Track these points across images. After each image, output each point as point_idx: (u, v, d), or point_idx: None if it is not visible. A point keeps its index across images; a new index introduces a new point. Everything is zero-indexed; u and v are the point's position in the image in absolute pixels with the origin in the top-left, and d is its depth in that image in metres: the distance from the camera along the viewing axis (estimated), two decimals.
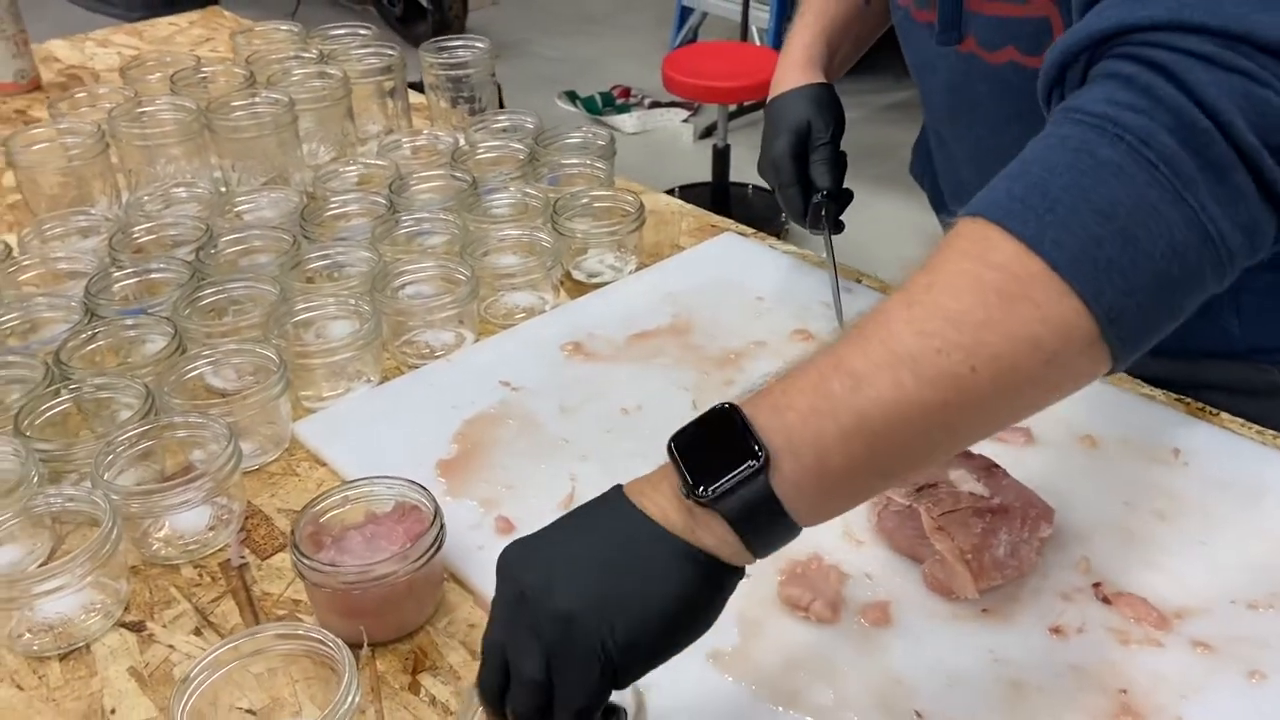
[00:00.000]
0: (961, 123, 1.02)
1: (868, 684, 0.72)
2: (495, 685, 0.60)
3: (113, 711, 0.73)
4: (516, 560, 0.60)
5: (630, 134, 4.06)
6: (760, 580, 0.80)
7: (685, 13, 4.51)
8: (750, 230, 1.30)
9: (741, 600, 0.77)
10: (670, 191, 1.70)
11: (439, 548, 0.77)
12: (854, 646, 0.75)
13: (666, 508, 0.58)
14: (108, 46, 1.96)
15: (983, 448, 0.87)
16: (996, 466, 0.85)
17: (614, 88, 4.28)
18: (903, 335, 0.55)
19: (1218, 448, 0.91)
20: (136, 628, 0.80)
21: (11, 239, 1.20)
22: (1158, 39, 0.55)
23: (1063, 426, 0.94)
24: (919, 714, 0.70)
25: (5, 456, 0.86)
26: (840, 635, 0.76)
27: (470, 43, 1.50)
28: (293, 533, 0.76)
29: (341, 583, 0.74)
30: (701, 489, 0.56)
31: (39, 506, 0.81)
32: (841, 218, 1.09)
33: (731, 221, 1.32)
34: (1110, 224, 0.53)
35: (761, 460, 0.55)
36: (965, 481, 0.83)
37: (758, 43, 4.07)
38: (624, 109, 4.17)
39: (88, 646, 0.78)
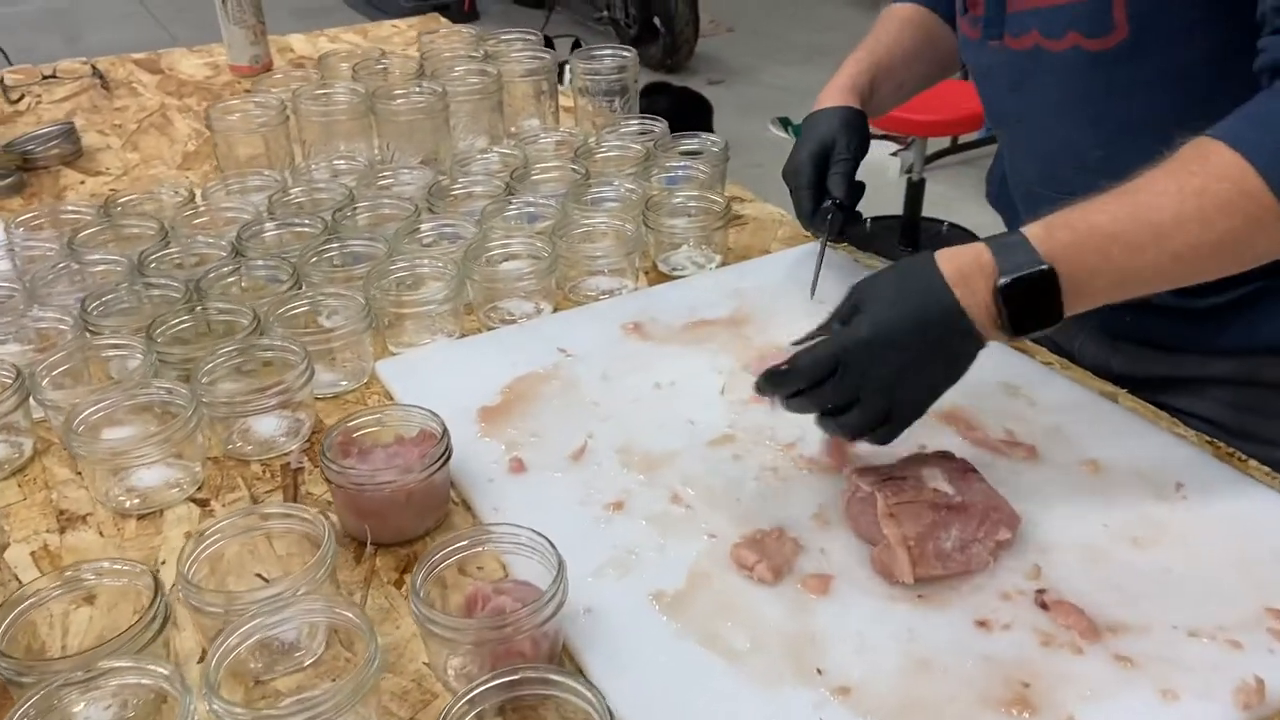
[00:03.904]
0: (1027, 121, 1.08)
1: (783, 639, 0.77)
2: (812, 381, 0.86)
3: (163, 562, 0.89)
4: (875, 361, 0.83)
5: None
6: (720, 541, 0.86)
7: None
8: (842, 244, 1.34)
9: (697, 555, 0.85)
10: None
11: (438, 469, 0.88)
12: (784, 607, 0.80)
13: (986, 324, 0.81)
14: (336, 42, 2.22)
15: (982, 459, 0.90)
16: (973, 471, 0.88)
17: None
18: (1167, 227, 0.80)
19: (1227, 488, 0.90)
20: (202, 504, 0.95)
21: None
22: None
23: (1070, 449, 0.95)
24: (819, 670, 0.75)
25: (134, 355, 1.04)
26: (775, 596, 0.81)
27: (618, 52, 1.62)
28: (324, 439, 0.90)
29: (351, 483, 0.87)
30: (1029, 332, 0.81)
31: (143, 396, 0.99)
32: (846, 231, 1.18)
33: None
34: None
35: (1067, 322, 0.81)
36: (934, 479, 0.86)
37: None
38: None
39: (161, 512, 0.94)
